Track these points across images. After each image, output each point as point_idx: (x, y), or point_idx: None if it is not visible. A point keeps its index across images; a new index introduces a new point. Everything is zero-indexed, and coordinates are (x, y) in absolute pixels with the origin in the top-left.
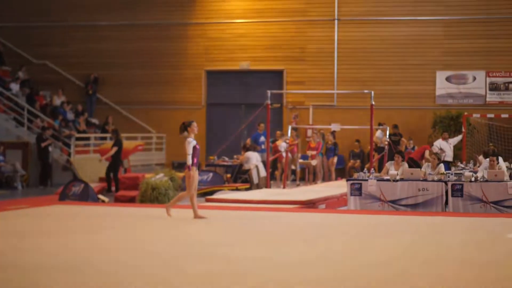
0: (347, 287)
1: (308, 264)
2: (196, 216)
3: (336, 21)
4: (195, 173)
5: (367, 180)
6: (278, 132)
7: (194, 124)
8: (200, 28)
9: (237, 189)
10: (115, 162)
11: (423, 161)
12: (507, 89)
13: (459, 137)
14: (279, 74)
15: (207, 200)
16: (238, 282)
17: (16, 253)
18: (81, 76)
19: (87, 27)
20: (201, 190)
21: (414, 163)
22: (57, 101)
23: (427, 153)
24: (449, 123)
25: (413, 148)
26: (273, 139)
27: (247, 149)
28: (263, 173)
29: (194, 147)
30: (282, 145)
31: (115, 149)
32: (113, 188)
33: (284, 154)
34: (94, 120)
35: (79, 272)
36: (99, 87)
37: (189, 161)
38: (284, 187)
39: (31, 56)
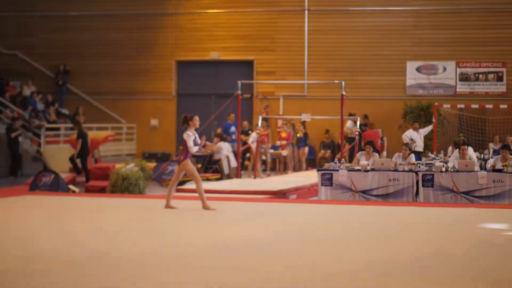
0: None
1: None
2: (168, 206)
3: (306, 11)
4: (190, 164)
5: (338, 170)
6: (245, 123)
7: (196, 117)
8: (171, 18)
9: (207, 180)
10: (82, 153)
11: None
12: (477, 79)
13: (430, 128)
14: (249, 64)
15: (178, 191)
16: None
17: None
18: (51, 66)
19: (58, 17)
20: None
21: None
22: (27, 91)
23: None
24: (419, 114)
25: (382, 139)
26: (243, 129)
27: (220, 137)
28: (233, 163)
29: (194, 140)
30: (252, 135)
31: (80, 142)
32: (83, 178)
33: (254, 145)
34: (64, 111)
35: (50, 261)
36: (69, 77)
37: (194, 149)
38: (255, 178)
39: (1, 47)
